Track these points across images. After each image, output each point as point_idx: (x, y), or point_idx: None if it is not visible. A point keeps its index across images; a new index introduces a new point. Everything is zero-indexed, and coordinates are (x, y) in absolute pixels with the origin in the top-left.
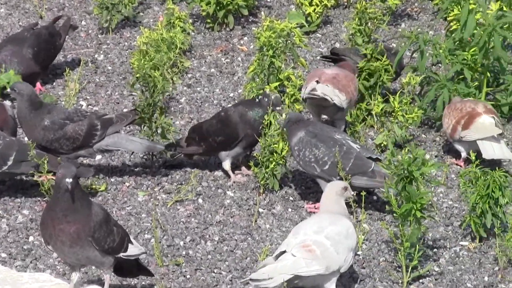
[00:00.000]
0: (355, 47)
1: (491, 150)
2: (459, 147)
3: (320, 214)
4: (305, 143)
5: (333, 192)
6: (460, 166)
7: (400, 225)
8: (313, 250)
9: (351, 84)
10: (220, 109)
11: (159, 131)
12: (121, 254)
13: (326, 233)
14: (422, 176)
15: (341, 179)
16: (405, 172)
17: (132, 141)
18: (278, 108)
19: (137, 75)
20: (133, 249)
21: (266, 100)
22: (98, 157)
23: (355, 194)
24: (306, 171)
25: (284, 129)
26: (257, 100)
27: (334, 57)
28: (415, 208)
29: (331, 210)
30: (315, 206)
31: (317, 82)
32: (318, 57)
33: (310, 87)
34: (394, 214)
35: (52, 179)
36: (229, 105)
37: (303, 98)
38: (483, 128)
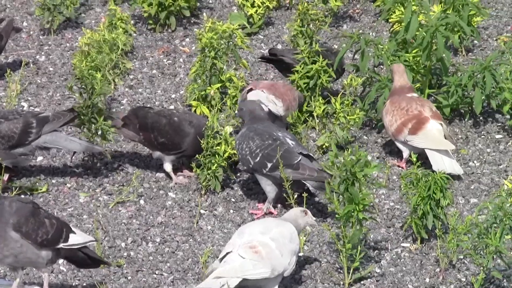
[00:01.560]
0: (293, 48)
1: (441, 164)
2: (402, 147)
3: (268, 218)
4: (244, 137)
5: (293, 214)
6: (402, 167)
7: (342, 226)
8: (259, 251)
9: (289, 93)
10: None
11: (99, 132)
12: (61, 245)
13: (271, 235)
14: (365, 178)
15: (271, 169)
16: (348, 173)
17: (71, 140)
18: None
19: (77, 77)
20: (77, 238)
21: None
22: (40, 158)
23: (296, 195)
24: (244, 165)
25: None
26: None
27: (273, 58)
28: (357, 209)
29: (284, 217)
30: (258, 207)
31: (251, 90)
32: (258, 59)
33: (241, 97)
34: (336, 216)
35: None
36: (186, 111)
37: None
38: (433, 137)
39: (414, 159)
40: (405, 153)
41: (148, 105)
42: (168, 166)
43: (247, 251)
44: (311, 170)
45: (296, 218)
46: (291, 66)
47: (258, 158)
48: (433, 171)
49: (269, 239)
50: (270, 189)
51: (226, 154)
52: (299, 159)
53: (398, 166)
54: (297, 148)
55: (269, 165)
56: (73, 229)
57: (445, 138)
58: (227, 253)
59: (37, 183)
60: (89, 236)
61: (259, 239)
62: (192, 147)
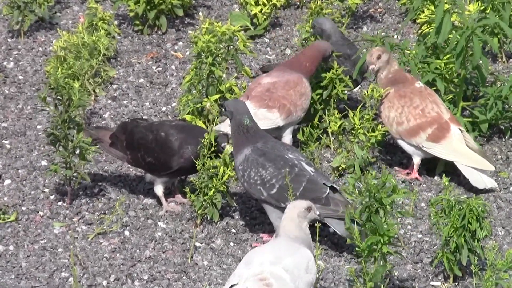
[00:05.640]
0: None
1: (479, 178)
2: (410, 150)
3: (277, 240)
4: (251, 162)
5: (295, 214)
6: (417, 178)
7: (362, 261)
8: (271, 284)
9: (292, 93)
10: None
11: (77, 151)
12: None
13: (284, 265)
14: (391, 205)
15: None
16: (372, 199)
17: None
18: (222, 145)
19: (51, 87)
20: None
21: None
22: (7, 181)
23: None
24: (252, 195)
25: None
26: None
27: None
28: (381, 242)
29: (291, 236)
30: (263, 239)
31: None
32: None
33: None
34: (356, 249)
35: None
36: (173, 124)
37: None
38: (461, 150)
39: (445, 182)
40: (416, 159)
41: (144, 117)
42: (159, 190)
43: (256, 284)
44: (343, 205)
45: (301, 225)
46: None
47: (275, 190)
48: (458, 184)
49: (282, 270)
50: (280, 222)
51: (225, 177)
52: (327, 192)
53: (410, 177)
54: (320, 177)
55: (291, 198)
56: None
57: (468, 147)
58: (232, 286)
59: (5, 211)
60: None
61: (270, 270)
62: (183, 165)
